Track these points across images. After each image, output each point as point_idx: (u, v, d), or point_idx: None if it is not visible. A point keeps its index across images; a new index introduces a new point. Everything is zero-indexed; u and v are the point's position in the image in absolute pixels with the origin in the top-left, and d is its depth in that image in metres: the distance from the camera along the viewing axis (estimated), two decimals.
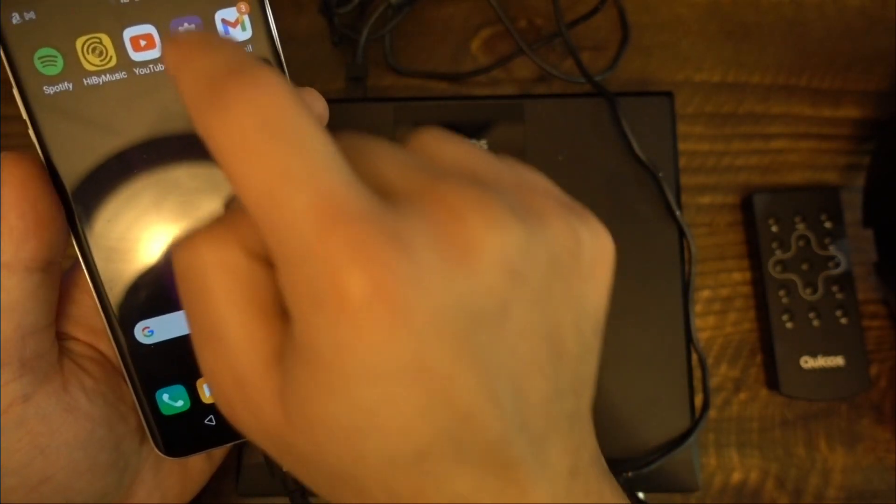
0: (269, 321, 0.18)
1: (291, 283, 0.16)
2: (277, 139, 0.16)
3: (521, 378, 0.17)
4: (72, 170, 0.23)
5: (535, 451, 0.18)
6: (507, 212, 0.17)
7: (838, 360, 0.39)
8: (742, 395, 0.40)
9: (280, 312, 0.18)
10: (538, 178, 0.21)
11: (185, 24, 0.23)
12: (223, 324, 0.18)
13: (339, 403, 0.16)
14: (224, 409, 0.19)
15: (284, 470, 0.18)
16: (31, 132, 0.22)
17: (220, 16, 0.23)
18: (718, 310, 0.41)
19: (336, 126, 0.31)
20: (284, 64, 0.24)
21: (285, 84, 0.16)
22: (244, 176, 0.16)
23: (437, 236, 0.16)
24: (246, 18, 0.23)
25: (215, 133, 0.16)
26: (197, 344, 0.19)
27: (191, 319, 0.19)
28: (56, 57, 0.22)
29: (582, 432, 0.19)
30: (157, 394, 0.25)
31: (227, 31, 0.23)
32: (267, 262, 0.18)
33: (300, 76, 0.42)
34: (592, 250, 0.19)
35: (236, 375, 0.18)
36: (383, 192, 0.17)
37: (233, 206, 0.19)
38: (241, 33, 0.23)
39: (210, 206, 0.24)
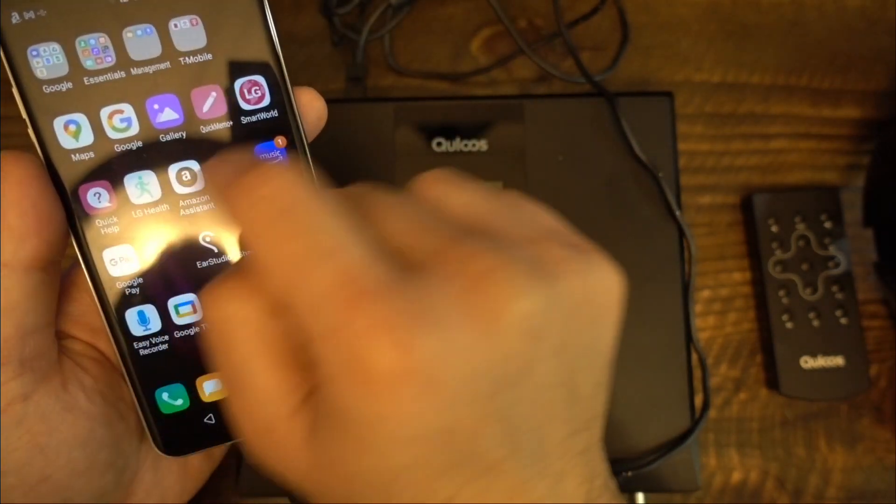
0: (293, 372, 0.19)
1: (322, 355, 0.17)
2: (295, 223, 0.17)
3: (542, 427, 0.19)
4: (71, 169, 0.23)
5: (554, 489, 0.19)
6: (527, 276, 0.18)
7: (838, 360, 0.39)
8: (742, 395, 0.40)
9: (304, 363, 0.19)
10: (542, 216, 0.21)
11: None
12: (249, 375, 0.19)
13: (371, 462, 0.18)
14: (254, 453, 0.20)
15: None
16: (30, 131, 0.22)
17: None
18: (718, 310, 0.41)
19: (336, 126, 0.31)
20: (284, 65, 0.24)
21: (298, 175, 0.18)
22: (270, 260, 0.18)
23: (462, 305, 0.17)
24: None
25: (242, 222, 0.18)
26: (227, 391, 0.20)
27: (219, 369, 0.20)
28: None
29: (594, 462, 0.21)
30: (157, 392, 0.25)
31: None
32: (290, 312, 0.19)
33: (300, 76, 0.42)
34: (602, 294, 0.20)
35: (265, 423, 0.19)
36: (402, 256, 0.18)
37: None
38: None
39: (208, 204, 0.24)
